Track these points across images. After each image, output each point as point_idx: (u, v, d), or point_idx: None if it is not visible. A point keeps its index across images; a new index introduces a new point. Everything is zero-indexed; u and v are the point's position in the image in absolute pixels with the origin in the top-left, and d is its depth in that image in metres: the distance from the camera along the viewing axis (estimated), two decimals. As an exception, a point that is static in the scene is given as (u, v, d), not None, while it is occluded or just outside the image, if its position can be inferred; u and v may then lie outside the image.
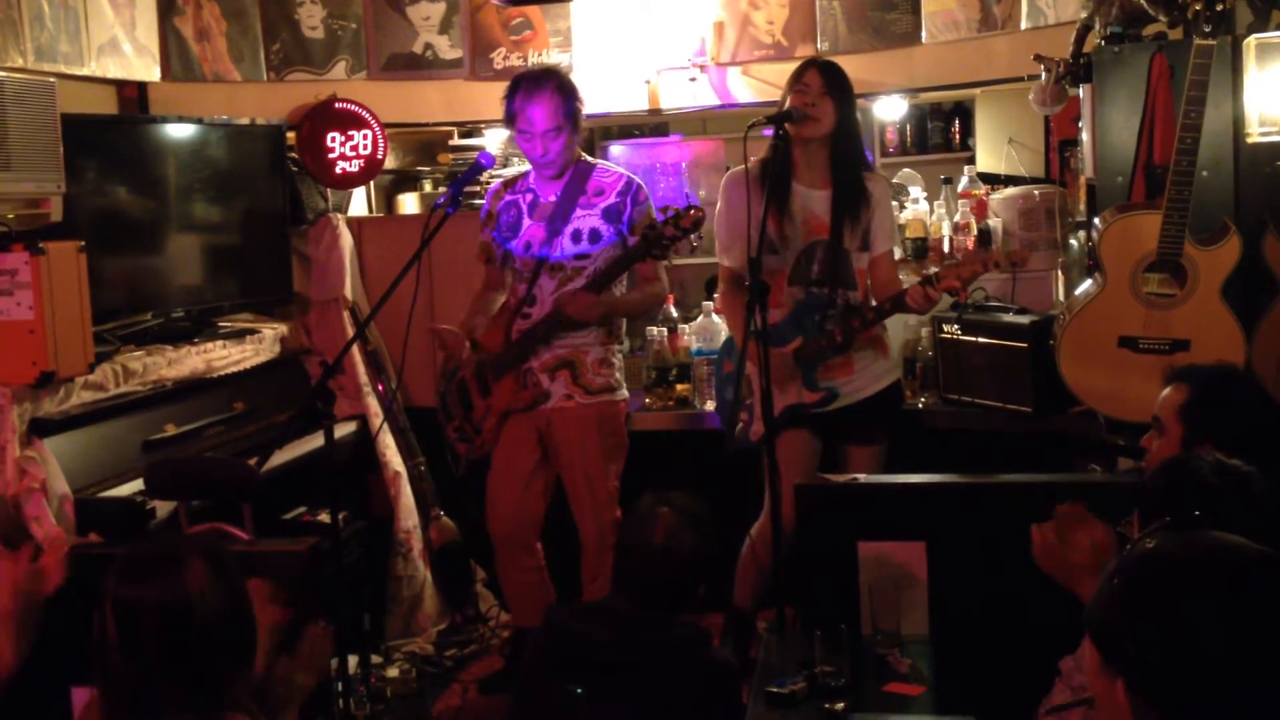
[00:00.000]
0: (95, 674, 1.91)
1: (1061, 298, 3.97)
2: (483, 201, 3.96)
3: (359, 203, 4.97)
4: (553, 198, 3.66)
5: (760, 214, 3.19)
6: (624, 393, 3.80)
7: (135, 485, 3.26)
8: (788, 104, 3.44)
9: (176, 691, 1.85)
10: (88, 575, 2.84)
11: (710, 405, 4.12)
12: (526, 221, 3.69)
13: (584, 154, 3.76)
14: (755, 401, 3.37)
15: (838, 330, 3.42)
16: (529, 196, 3.72)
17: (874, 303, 3.54)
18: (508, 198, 3.77)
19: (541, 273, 3.63)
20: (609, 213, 3.62)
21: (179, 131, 4.06)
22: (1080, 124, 3.76)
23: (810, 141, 3.46)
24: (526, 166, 3.87)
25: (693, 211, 3.40)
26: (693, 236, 3.46)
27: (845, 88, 3.49)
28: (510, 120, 3.64)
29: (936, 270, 3.36)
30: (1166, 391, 2.49)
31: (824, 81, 3.43)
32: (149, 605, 1.86)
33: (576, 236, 3.62)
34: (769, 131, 3.33)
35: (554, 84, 3.58)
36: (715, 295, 3.99)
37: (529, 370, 3.66)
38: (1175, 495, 1.82)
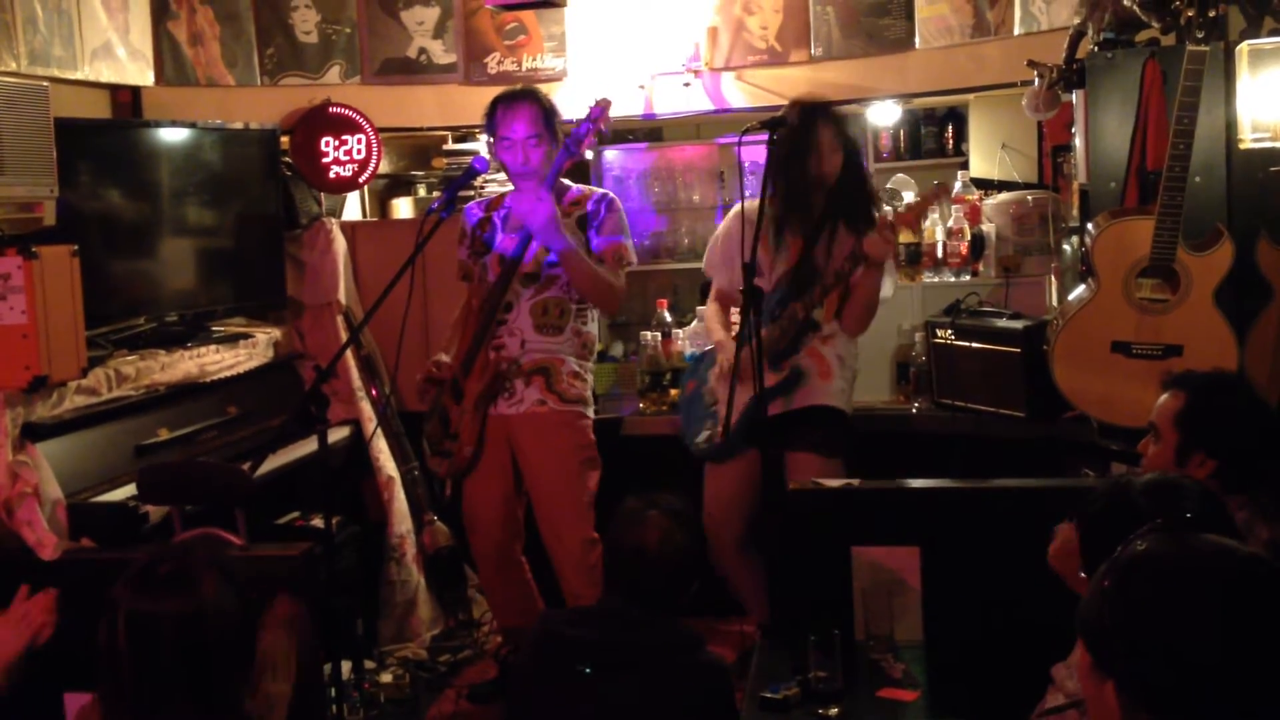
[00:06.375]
0: (100, 684, 1.89)
1: (1055, 303, 3.98)
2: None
3: (353, 207, 4.97)
4: None
5: (757, 237, 3.26)
6: (592, 410, 3.77)
7: (128, 490, 3.26)
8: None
9: (187, 703, 1.83)
10: (80, 581, 2.85)
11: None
12: (500, 236, 3.69)
13: (563, 179, 3.74)
14: (720, 406, 3.50)
15: (799, 308, 3.49)
16: (504, 212, 3.72)
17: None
18: (482, 215, 3.77)
19: (514, 279, 3.62)
20: (581, 221, 3.64)
21: (173, 136, 4.06)
22: (1073, 129, 3.77)
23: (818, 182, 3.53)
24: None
25: (599, 101, 3.61)
26: (601, 124, 3.61)
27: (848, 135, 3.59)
28: (492, 132, 3.64)
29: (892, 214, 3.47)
30: (1164, 398, 2.49)
31: (834, 133, 3.51)
32: (167, 618, 1.84)
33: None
34: (763, 137, 3.34)
35: (532, 96, 3.66)
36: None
37: (495, 353, 3.64)
38: (1108, 521, 1.82)
